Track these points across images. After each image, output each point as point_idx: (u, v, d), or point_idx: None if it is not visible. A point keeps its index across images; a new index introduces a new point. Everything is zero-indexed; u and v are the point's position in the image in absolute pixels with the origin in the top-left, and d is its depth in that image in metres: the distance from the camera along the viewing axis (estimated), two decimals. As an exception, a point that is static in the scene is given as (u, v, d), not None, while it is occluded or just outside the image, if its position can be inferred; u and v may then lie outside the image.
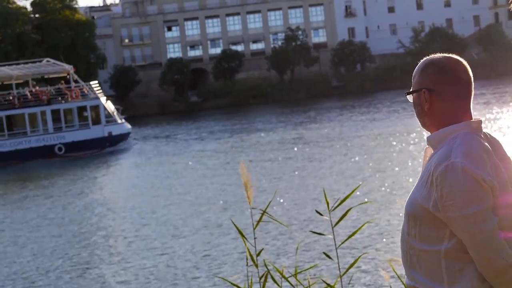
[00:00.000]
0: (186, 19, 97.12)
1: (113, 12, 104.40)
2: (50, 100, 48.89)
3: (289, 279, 4.51)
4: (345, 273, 4.25)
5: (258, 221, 4.51)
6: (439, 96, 2.71)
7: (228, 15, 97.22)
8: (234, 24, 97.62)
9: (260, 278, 4.45)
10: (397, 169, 28.62)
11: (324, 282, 4.18)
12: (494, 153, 2.67)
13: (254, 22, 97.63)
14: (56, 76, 53.08)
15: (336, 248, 4.23)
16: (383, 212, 20.46)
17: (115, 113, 51.52)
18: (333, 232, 4.28)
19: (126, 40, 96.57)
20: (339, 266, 4.26)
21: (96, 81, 55.81)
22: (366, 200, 20.32)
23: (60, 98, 49.60)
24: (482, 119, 2.73)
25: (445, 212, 2.60)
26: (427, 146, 2.80)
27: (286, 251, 17.46)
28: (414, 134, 38.38)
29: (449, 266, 2.64)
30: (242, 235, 4.43)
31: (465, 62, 2.75)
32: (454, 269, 2.64)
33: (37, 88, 50.33)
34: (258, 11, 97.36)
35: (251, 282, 4.61)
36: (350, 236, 4.35)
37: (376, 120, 50.92)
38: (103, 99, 50.62)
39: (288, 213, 21.80)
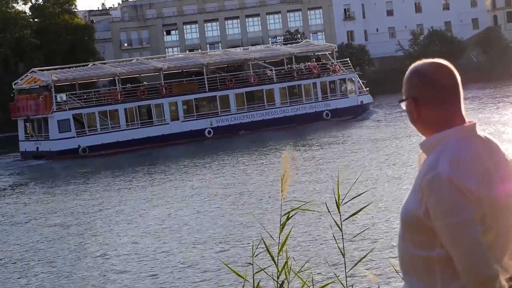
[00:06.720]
0: (185, 23, 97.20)
1: (112, 16, 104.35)
2: (319, 74, 58.14)
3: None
4: (350, 269, 4.26)
5: (288, 216, 4.53)
6: (426, 104, 2.69)
7: (227, 18, 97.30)
8: (233, 28, 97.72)
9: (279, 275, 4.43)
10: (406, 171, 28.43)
11: (336, 276, 4.18)
12: (490, 157, 2.65)
13: (253, 26, 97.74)
14: (318, 54, 62.09)
15: (343, 243, 4.24)
16: (390, 213, 20.35)
17: (363, 85, 60.33)
18: (341, 227, 4.27)
19: (125, 44, 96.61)
20: (345, 262, 4.26)
21: (347, 58, 63.92)
22: (373, 201, 20.25)
23: (314, 72, 58.09)
24: (476, 120, 2.68)
25: (433, 221, 2.59)
26: (421, 151, 2.78)
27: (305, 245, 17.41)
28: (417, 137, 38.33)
29: (442, 272, 2.63)
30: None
31: (450, 66, 2.72)
32: (447, 275, 2.63)
33: (308, 63, 59.20)
34: (257, 15, 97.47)
35: (254, 273, 4.60)
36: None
37: (377, 122, 50.93)
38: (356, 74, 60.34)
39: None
